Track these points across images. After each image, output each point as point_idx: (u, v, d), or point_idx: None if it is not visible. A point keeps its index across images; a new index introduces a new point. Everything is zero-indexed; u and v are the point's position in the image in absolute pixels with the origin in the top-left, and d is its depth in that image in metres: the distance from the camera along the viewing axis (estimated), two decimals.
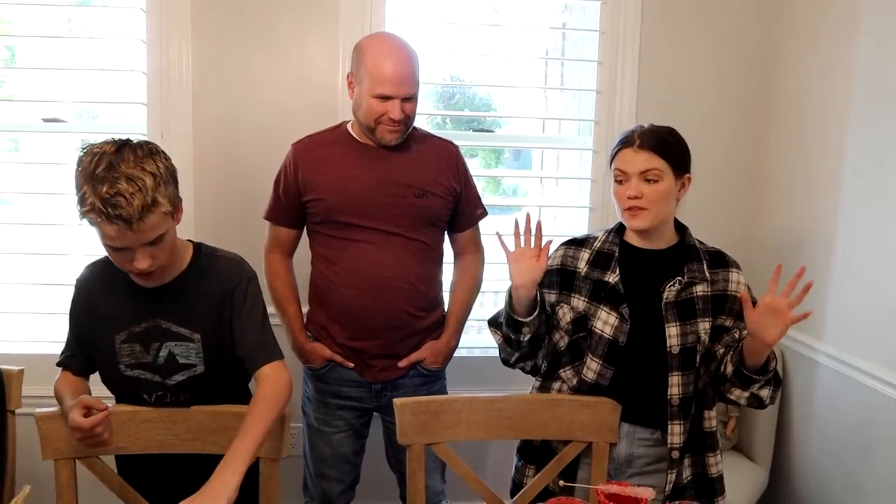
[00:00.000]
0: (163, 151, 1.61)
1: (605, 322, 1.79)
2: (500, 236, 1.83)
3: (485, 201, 2.29)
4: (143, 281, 1.67)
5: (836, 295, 2.45)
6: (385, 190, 2.05)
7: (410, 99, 2.00)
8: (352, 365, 2.13)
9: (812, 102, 2.62)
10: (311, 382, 2.22)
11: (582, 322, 1.82)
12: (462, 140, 2.95)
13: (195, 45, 2.59)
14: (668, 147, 1.76)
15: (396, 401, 1.78)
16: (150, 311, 1.73)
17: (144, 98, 2.59)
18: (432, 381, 2.22)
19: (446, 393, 2.28)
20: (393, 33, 2.10)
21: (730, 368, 1.70)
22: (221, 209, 2.67)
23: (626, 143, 1.77)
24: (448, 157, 2.17)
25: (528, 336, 1.80)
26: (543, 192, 3.36)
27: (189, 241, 1.80)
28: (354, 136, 2.11)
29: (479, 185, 2.32)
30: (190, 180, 2.63)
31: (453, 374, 2.31)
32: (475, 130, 2.93)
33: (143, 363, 1.74)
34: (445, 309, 2.26)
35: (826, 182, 2.51)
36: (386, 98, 1.96)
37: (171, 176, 1.59)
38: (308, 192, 2.08)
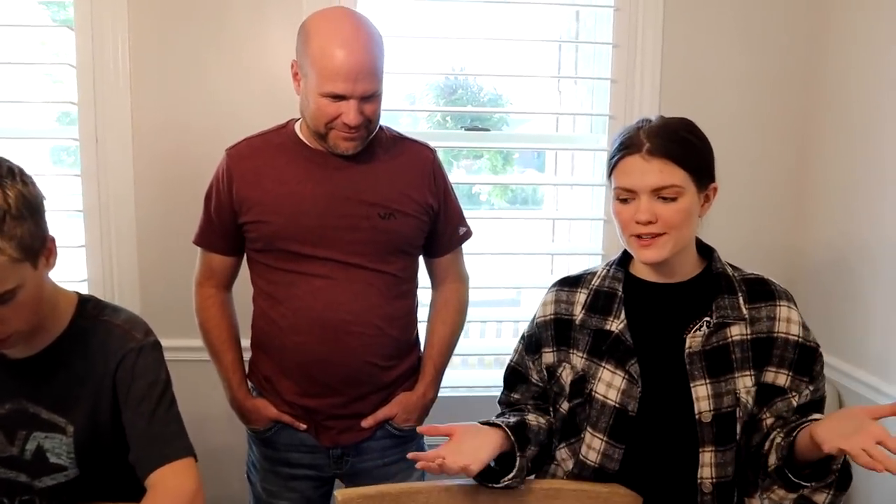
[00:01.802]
0: (20, 172, 1.19)
1: (609, 384, 1.36)
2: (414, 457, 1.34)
3: (491, 209, 1.86)
4: (1, 348, 1.27)
5: None
6: (343, 210, 1.64)
7: (371, 97, 1.57)
8: (304, 427, 1.73)
9: (871, 88, 2.19)
10: (256, 447, 1.83)
11: (580, 385, 1.39)
12: (454, 142, 2.58)
13: (132, 31, 2.21)
14: (688, 152, 1.32)
15: (338, 494, 1.38)
16: (15, 389, 1.33)
17: (74, 96, 2.22)
18: (405, 442, 1.80)
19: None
20: (349, 9, 1.66)
21: (773, 460, 1.26)
22: (168, 228, 2.29)
23: (629, 147, 1.33)
24: (423, 166, 1.74)
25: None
26: (558, 198, 2.92)
27: (77, 294, 1.39)
28: (304, 140, 1.69)
29: (486, 189, 1.88)
30: (130, 193, 2.27)
31: (427, 421, 1.88)
32: (468, 129, 2.50)
33: (6, 457, 1.34)
34: (422, 350, 1.86)
35: (893, 185, 2.08)
36: (338, 97, 1.54)
37: (29, 209, 1.17)
38: (245, 213, 1.67)
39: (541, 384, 1.50)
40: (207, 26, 2.24)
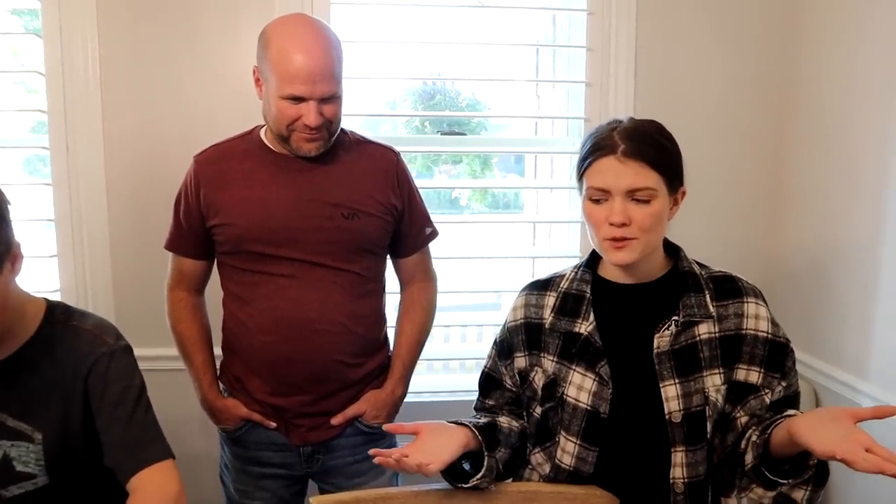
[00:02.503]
0: None
1: (580, 387, 1.35)
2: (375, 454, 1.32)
3: (471, 212, 1.88)
4: None
5: (882, 324, 2.02)
6: (307, 211, 1.67)
7: (331, 99, 1.60)
8: (274, 425, 1.75)
9: (843, 91, 2.18)
10: (227, 447, 1.84)
11: (552, 388, 1.38)
12: (432, 146, 2.57)
13: (102, 38, 2.19)
14: (662, 155, 1.31)
15: (313, 500, 1.37)
16: None
17: (44, 104, 2.19)
18: (376, 439, 1.80)
19: None
20: (307, 16, 1.68)
21: (749, 459, 1.25)
22: (142, 236, 2.26)
23: (604, 148, 1.31)
24: (386, 168, 1.77)
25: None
26: (538, 201, 2.92)
27: (45, 300, 1.37)
28: (269, 144, 1.72)
29: (465, 193, 1.89)
30: (102, 201, 2.25)
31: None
32: (444, 134, 2.49)
33: None
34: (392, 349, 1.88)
35: (866, 188, 2.08)
36: (298, 99, 1.57)
37: None
38: (212, 216, 1.69)
39: (514, 389, 1.49)
40: (178, 32, 2.22)
